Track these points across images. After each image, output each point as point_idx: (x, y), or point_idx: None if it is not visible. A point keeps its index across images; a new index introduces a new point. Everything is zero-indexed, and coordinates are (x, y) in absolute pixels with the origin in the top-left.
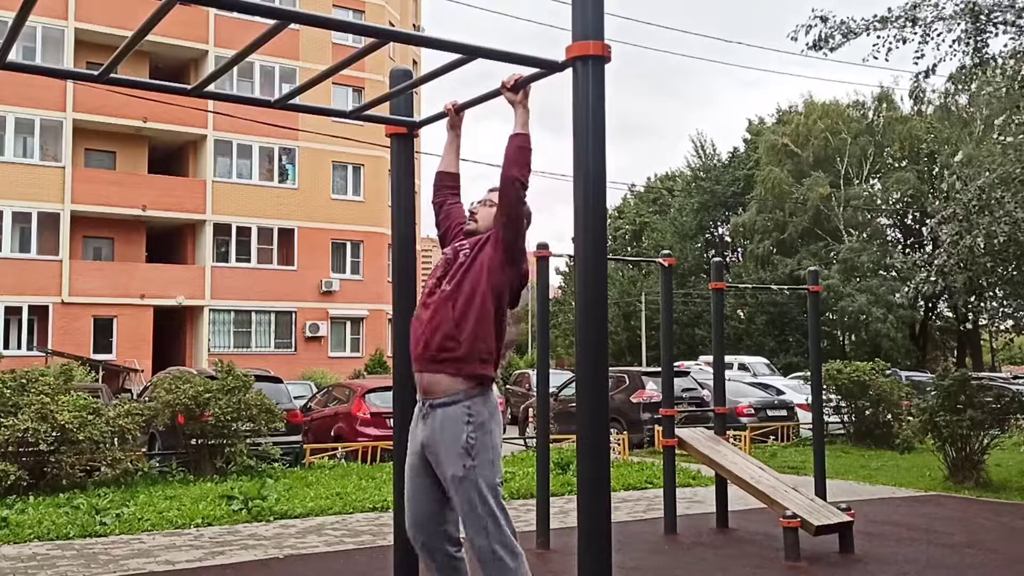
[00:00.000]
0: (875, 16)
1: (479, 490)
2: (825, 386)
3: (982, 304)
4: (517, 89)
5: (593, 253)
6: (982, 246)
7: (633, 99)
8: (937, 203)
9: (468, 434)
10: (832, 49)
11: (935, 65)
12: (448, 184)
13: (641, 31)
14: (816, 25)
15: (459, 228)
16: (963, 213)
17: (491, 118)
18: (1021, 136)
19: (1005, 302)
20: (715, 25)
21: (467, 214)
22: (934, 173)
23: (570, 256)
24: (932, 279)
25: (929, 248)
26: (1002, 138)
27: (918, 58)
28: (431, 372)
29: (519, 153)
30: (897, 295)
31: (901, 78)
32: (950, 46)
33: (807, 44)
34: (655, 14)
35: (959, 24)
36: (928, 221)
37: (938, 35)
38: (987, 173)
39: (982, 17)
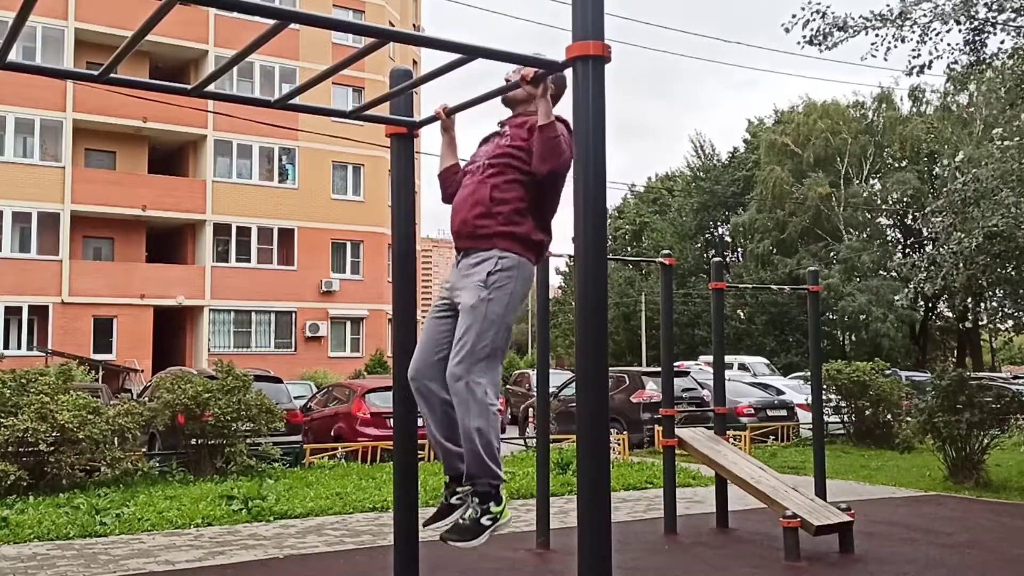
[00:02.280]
0: (874, 14)
1: (486, 319)
2: (825, 386)
3: (981, 305)
4: (537, 82)
5: (593, 253)
6: (973, 246)
7: (628, 99)
8: (932, 198)
9: (491, 271)
10: (830, 47)
11: (930, 62)
12: (454, 175)
13: (635, 31)
14: (812, 19)
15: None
16: (958, 204)
17: (482, 121)
18: (1017, 139)
19: (1005, 302)
20: (707, 26)
21: (504, 81)
22: (934, 173)
23: (570, 256)
24: (931, 277)
25: (929, 248)
26: (999, 143)
27: (914, 57)
28: (467, 245)
29: (549, 145)
30: (897, 296)
31: (901, 78)
32: (948, 45)
33: (803, 37)
34: (647, 14)
35: (957, 23)
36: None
37: (936, 35)
38: (985, 165)
39: (979, 17)
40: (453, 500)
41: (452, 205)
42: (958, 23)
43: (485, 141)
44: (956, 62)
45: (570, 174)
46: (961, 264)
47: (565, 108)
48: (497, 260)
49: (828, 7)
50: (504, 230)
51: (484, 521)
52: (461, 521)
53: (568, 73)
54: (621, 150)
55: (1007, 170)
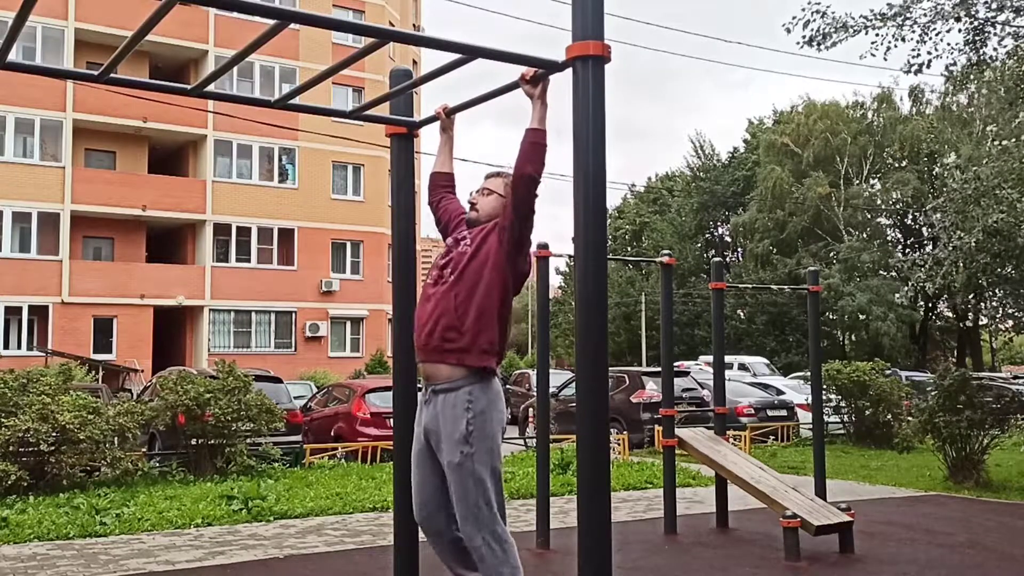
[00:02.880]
0: (874, 13)
1: (474, 477)
2: (825, 386)
3: (981, 304)
4: (536, 82)
5: (593, 253)
6: (973, 243)
7: (623, 100)
8: (932, 200)
9: (467, 420)
10: (830, 47)
11: (930, 61)
12: (443, 183)
13: (631, 31)
14: (812, 19)
15: (460, 219)
16: (959, 203)
17: (482, 122)
18: (1013, 140)
19: (1005, 301)
20: (701, 26)
21: (467, 205)
22: (934, 173)
23: (570, 256)
24: (931, 274)
25: (929, 248)
26: (997, 143)
27: (914, 56)
28: (433, 362)
29: (533, 150)
30: (897, 295)
31: (901, 78)
32: (948, 45)
33: (803, 38)
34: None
35: (957, 20)
36: (929, 216)
37: (936, 34)
38: (985, 164)
39: (979, 16)
40: None
41: (416, 318)
42: (958, 20)
43: (447, 249)
44: (955, 63)
45: (569, 174)
46: (961, 263)
47: (565, 108)
48: (467, 403)
49: (828, 7)
50: (470, 344)
51: None
52: None
53: (566, 75)
54: (616, 151)
55: (1007, 168)
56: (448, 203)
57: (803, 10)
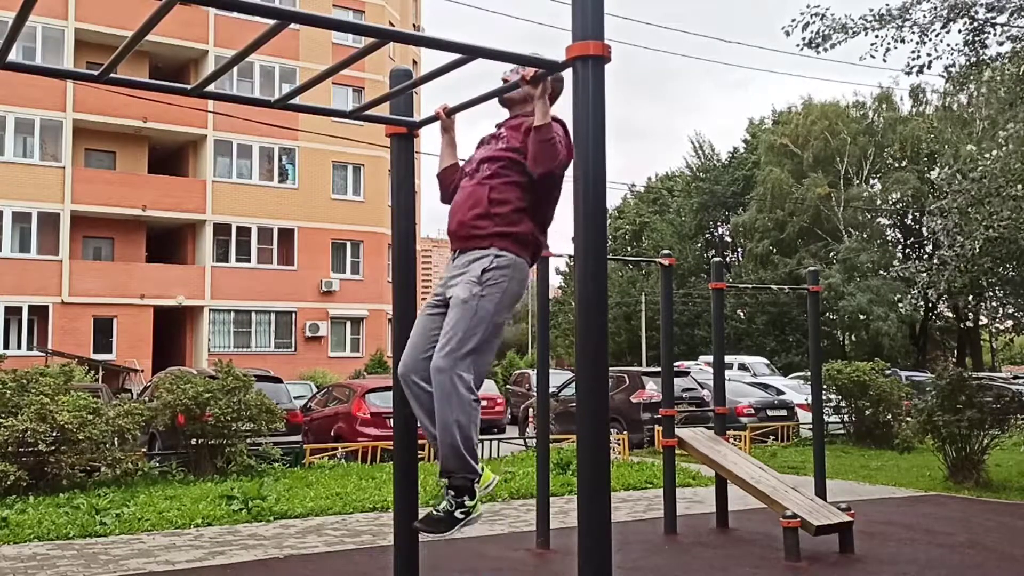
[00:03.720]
0: (872, 12)
1: (474, 314)
2: (825, 386)
3: (981, 303)
4: (537, 82)
5: (593, 253)
6: (978, 247)
7: (620, 100)
8: (932, 200)
9: (487, 268)
10: (829, 49)
11: (930, 63)
12: (453, 176)
13: (626, 31)
14: (812, 21)
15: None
16: (962, 204)
17: (481, 121)
18: (1016, 141)
19: (1006, 301)
20: (696, 26)
21: (501, 81)
22: (934, 173)
23: (570, 256)
24: (935, 282)
25: (929, 248)
26: (1002, 144)
27: (914, 58)
28: (464, 246)
29: (543, 148)
30: (901, 303)
31: (901, 78)
32: (948, 46)
33: (803, 40)
34: (641, 15)
35: (955, 20)
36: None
37: (936, 35)
38: (988, 162)
39: (979, 17)
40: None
41: (449, 207)
42: (958, 19)
43: (482, 143)
44: (953, 64)
45: (569, 174)
46: (963, 267)
47: (565, 108)
48: (493, 258)
49: (827, 8)
50: (501, 230)
51: (457, 514)
52: (435, 513)
53: (567, 73)
54: (616, 151)
55: (1009, 169)
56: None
57: (802, 13)
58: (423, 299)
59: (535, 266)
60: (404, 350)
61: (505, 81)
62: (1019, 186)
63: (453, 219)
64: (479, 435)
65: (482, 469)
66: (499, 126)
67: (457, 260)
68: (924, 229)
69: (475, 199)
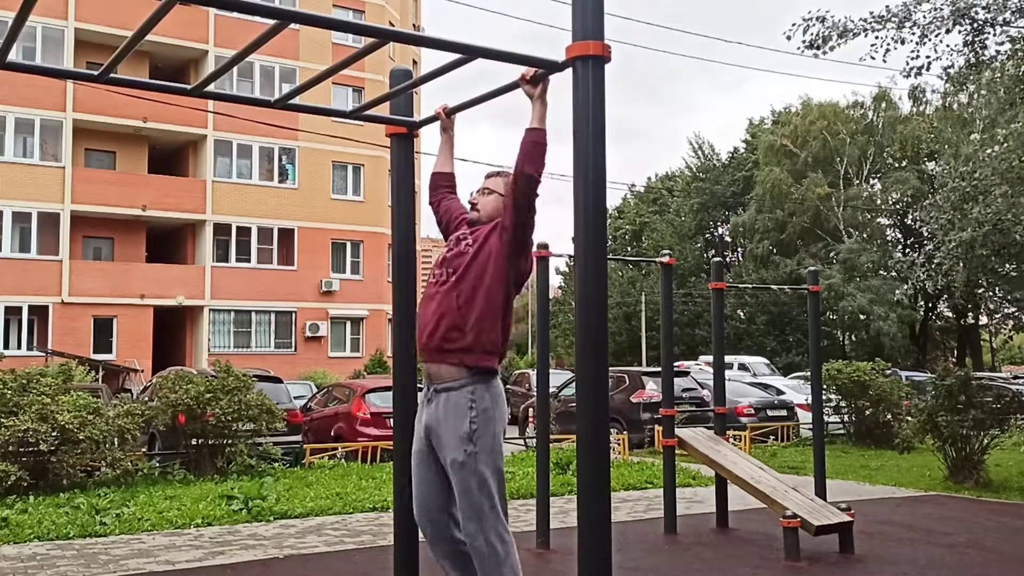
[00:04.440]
0: (872, 15)
1: (478, 476)
2: (825, 386)
3: (980, 291)
4: (536, 82)
5: (593, 253)
6: (971, 232)
7: (618, 101)
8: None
9: (471, 419)
10: (829, 51)
11: (929, 64)
12: (444, 184)
13: (621, 31)
14: (813, 24)
15: (461, 218)
16: (956, 201)
17: (481, 122)
18: (1009, 143)
19: (1006, 299)
20: (698, 25)
21: (468, 205)
22: (932, 165)
23: (570, 256)
24: (931, 274)
25: (929, 248)
26: (1000, 141)
27: (913, 58)
28: (436, 362)
29: (534, 149)
30: (897, 292)
31: (898, 78)
32: (947, 47)
33: (803, 42)
34: (640, 15)
35: (956, 24)
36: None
37: (935, 36)
38: (983, 167)
39: (979, 18)
40: None
41: (418, 318)
42: (959, 23)
43: (448, 247)
44: (952, 64)
45: (569, 173)
46: (961, 262)
47: (565, 108)
48: (470, 402)
49: (828, 11)
50: (472, 344)
51: None
52: None
53: (567, 75)
54: (615, 151)
55: (1006, 168)
56: (449, 203)
57: (804, 19)
58: None
59: (535, 266)
60: (413, 499)
61: (484, 191)
62: (1005, 185)
63: (424, 330)
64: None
65: None
66: (464, 235)
67: (434, 400)
68: (924, 229)
69: (444, 308)
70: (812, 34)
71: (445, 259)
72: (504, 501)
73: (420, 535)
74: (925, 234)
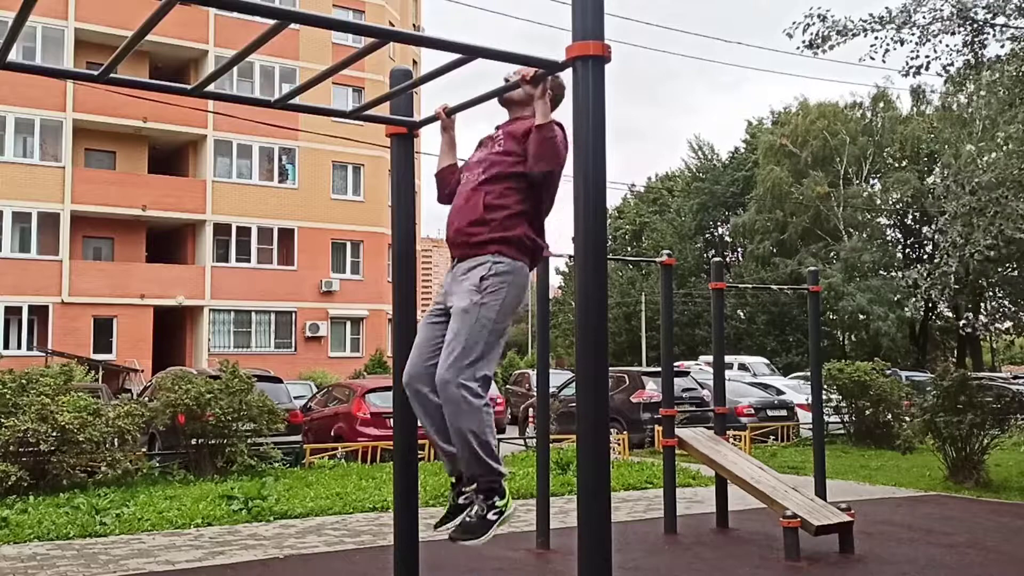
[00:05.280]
0: (872, 16)
1: (476, 323)
2: (825, 386)
3: (980, 304)
4: (537, 82)
5: (593, 253)
6: (984, 245)
7: (623, 101)
8: (935, 203)
9: (485, 276)
10: (828, 50)
11: (927, 63)
12: (451, 174)
13: (628, 32)
14: (813, 23)
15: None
16: (964, 218)
17: (481, 121)
18: (1016, 142)
19: (1006, 302)
20: (697, 25)
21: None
22: (934, 173)
23: (570, 256)
24: (935, 284)
25: (929, 248)
26: (1001, 145)
27: (913, 58)
28: (461, 257)
29: (543, 145)
30: (906, 307)
31: (894, 77)
32: (947, 47)
33: (803, 42)
34: (639, 15)
35: (956, 24)
36: (934, 222)
37: (935, 36)
38: (986, 176)
39: (978, 19)
40: (460, 500)
41: (448, 213)
42: (961, 26)
43: (480, 145)
44: (951, 64)
45: (569, 175)
46: (966, 269)
47: (565, 109)
48: (491, 265)
49: (828, 10)
50: (498, 236)
51: (490, 516)
52: (468, 519)
53: (567, 75)
54: (614, 151)
55: (1008, 176)
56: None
57: (805, 17)
58: (423, 299)
59: (535, 268)
60: (408, 359)
61: (507, 80)
62: (1010, 195)
63: (451, 227)
64: (496, 434)
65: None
66: (498, 128)
67: (456, 268)
68: (924, 229)
69: (471, 205)
70: (812, 33)
71: (476, 155)
72: (490, 373)
73: (421, 535)
74: (925, 233)
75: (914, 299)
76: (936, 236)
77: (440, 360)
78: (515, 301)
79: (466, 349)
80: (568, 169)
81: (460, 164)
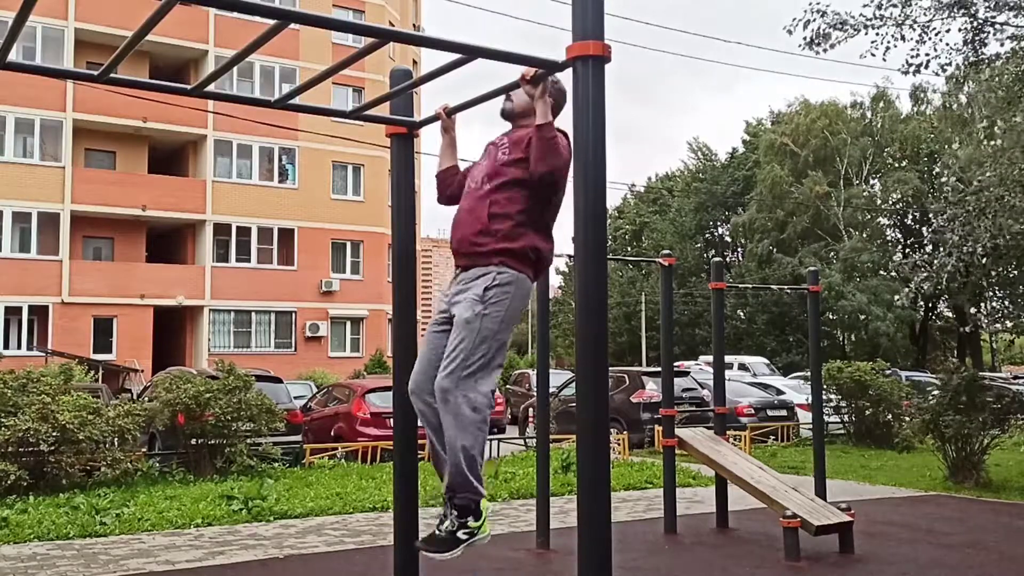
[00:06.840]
0: (873, 10)
1: (477, 334)
2: (825, 386)
3: (981, 305)
4: (537, 82)
5: (593, 253)
6: (982, 249)
7: (622, 101)
8: (935, 203)
9: (488, 286)
10: (828, 48)
11: (927, 62)
12: (452, 174)
13: (628, 32)
14: (814, 19)
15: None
16: (965, 218)
17: (481, 122)
18: (1011, 138)
19: (1006, 303)
20: (695, 25)
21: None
22: (934, 173)
23: (570, 256)
24: (930, 276)
25: (929, 248)
26: (996, 142)
27: (913, 56)
28: (466, 266)
29: (544, 145)
30: (896, 297)
31: (893, 76)
32: (947, 45)
33: (804, 39)
34: (638, 15)
35: (960, 10)
36: (933, 221)
37: (936, 33)
38: (987, 174)
39: (979, 16)
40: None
41: (452, 221)
42: (962, 12)
43: (485, 153)
44: (950, 63)
45: (569, 175)
46: (965, 267)
47: (565, 109)
48: (495, 275)
49: (828, 6)
50: (502, 247)
51: (460, 535)
52: (437, 532)
53: (567, 75)
54: (613, 152)
55: (1008, 175)
56: (462, 177)
57: (805, 12)
58: (423, 299)
59: (538, 280)
60: (413, 367)
61: (507, 103)
62: (1013, 195)
63: (455, 235)
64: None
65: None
66: (503, 136)
67: (460, 277)
68: (924, 229)
69: (476, 214)
70: (812, 29)
71: (480, 164)
72: (493, 386)
73: (420, 534)
74: (925, 233)
75: (906, 289)
76: (932, 237)
77: (440, 368)
78: (517, 311)
79: (467, 359)
80: (569, 171)
81: (462, 166)
